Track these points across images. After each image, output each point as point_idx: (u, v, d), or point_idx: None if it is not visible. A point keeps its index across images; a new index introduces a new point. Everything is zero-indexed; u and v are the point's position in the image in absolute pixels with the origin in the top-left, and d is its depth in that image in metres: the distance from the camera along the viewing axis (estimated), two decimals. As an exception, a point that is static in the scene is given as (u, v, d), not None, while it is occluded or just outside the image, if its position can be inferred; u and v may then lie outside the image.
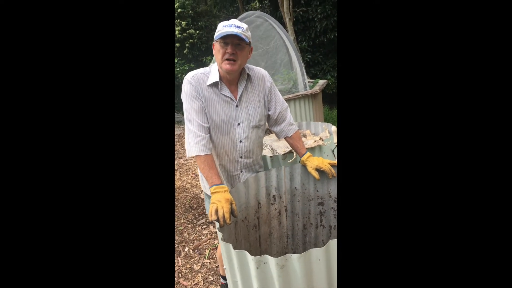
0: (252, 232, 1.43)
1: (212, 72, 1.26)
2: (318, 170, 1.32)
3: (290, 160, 1.67)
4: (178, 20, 6.55)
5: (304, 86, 3.36)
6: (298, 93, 3.16)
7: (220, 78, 1.26)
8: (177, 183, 3.27)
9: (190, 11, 6.68)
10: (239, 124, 1.30)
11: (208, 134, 1.26)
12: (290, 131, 1.41)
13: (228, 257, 0.98)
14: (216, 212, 1.07)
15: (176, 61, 6.56)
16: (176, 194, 3.08)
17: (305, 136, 1.97)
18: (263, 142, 1.95)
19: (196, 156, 1.22)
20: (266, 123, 1.43)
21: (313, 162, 1.32)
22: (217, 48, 1.21)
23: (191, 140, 1.22)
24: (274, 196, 1.42)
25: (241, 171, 1.41)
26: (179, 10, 6.50)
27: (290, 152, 1.70)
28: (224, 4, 6.90)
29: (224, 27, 1.18)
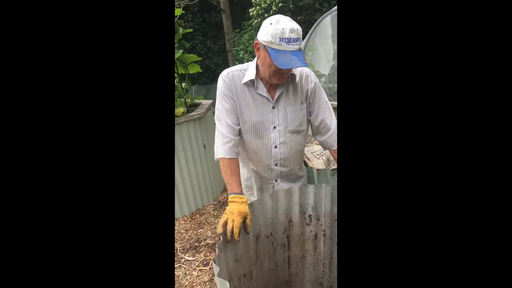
0: (280, 251, 1.26)
1: (249, 69, 1.12)
2: None
3: (340, 178, 1.40)
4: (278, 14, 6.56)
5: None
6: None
7: (257, 76, 1.11)
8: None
9: (291, 5, 6.60)
10: (275, 127, 1.13)
11: (238, 137, 1.14)
12: (336, 144, 1.16)
13: None
14: (225, 225, 0.95)
15: (270, 55, 6.63)
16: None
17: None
18: (321, 151, 1.71)
19: (220, 158, 1.12)
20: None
21: None
22: (266, 58, 1.00)
23: (219, 141, 1.12)
24: (310, 216, 1.21)
25: (276, 180, 1.24)
26: (280, 4, 6.50)
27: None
28: (328, -3, 6.55)
29: (281, 43, 0.95)
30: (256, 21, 7.00)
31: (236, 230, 0.93)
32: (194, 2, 7.95)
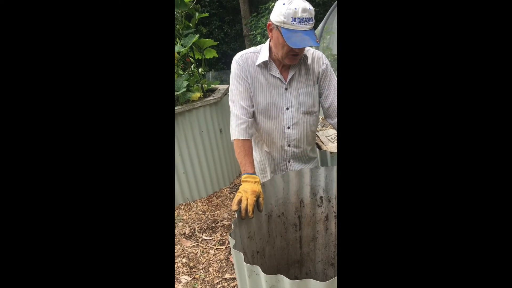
0: (292, 230, 1.30)
1: (262, 51, 1.14)
2: None
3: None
4: (296, -4, 6.39)
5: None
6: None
7: (270, 57, 1.13)
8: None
9: (310, -13, 6.39)
10: (287, 108, 1.16)
11: (251, 119, 1.17)
12: None
13: (239, 267, 0.86)
14: (240, 202, 1.00)
15: (287, 39, 6.50)
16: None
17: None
18: (335, 135, 1.71)
19: (234, 139, 1.15)
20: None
21: None
22: (279, 38, 1.02)
23: (233, 123, 1.16)
24: (321, 197, 1.24)
25: (289, 161, 1.28)
26: (298, -14, 6.31)
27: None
28: (348, -23, 6.25)
29: (294, 22, 0.97)
30: (273, 4, 6.85)
31: (250, 208, 0.98)
32: (211, -14, 7.85)
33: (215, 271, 1.90)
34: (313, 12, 1.00)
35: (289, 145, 1.23)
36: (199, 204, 2.66)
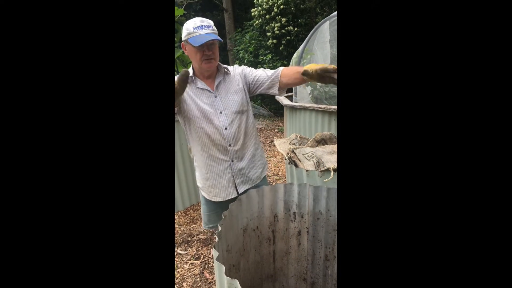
0: (266, 245, 1.34)
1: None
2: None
3: (326, 180, 1.47)
4: (279, 16, 6.61)
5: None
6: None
7: (194, 73, 1.33)
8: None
9: (293, 8, 6.66)
10: (221, 112, 1.32)
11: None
12: (279, 75, 1.32)
13: (220, 280, 0.88)
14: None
15: (270, 57, 6.69)
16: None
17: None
18: (312, 153, 1.78)
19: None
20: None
21: (315, 65, 1.15)
22: (191, 50, 1.25)
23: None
24: (294, 213, 1.29)
25: (232, 161, 1.39)
26: (281, 6, 6.56)
27: (328, 170, 1.49)
28: (329, 1, 6.61)
29: (196, 30, 1.21)
30: (257, 21, 7.05)
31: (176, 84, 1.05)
32: (197, 0, 8.00)
33: (189, 286, 1.88)
34: (212, 23, 1.24)
35: (229, 145, 1.35)
36: (175, 217, 2.64)
